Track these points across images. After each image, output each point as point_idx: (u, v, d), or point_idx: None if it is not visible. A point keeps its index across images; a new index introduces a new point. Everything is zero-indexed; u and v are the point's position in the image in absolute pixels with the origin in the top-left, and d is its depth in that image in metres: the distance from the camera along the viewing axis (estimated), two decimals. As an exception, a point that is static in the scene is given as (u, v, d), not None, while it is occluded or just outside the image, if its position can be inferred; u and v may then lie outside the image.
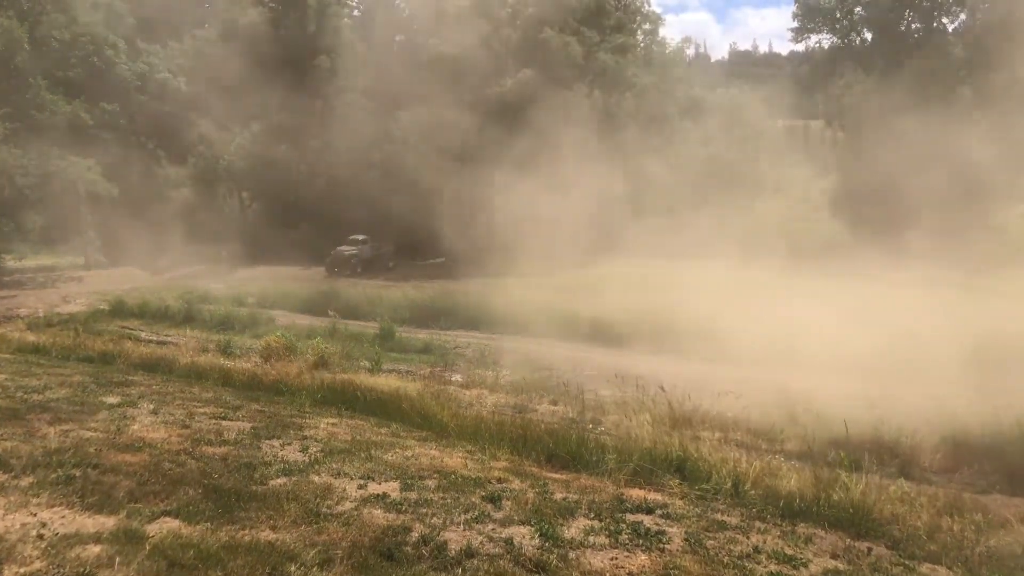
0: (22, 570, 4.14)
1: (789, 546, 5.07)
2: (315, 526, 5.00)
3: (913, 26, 46.30)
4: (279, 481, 5.94)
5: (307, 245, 40.31)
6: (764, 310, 15.57)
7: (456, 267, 32.47)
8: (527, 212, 23.90)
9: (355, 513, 5.29)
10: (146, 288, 30.12)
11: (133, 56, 50.09)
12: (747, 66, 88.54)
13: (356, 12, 55.38)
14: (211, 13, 56.48)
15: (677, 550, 4.91)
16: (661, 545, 4.97)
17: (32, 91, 40.94)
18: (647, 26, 59.45)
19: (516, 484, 6.20)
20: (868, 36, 47.84)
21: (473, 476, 6.36)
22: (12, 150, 36.70)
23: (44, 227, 39.96)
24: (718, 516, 5.63)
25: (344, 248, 37.19)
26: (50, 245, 42.71)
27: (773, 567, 4.73)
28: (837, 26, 47.80)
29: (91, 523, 4.81)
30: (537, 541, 4.94)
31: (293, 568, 4.34)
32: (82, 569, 4.17)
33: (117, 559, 4.29)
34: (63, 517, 4.88)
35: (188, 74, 51.51)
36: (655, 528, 5.25)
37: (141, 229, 42.82)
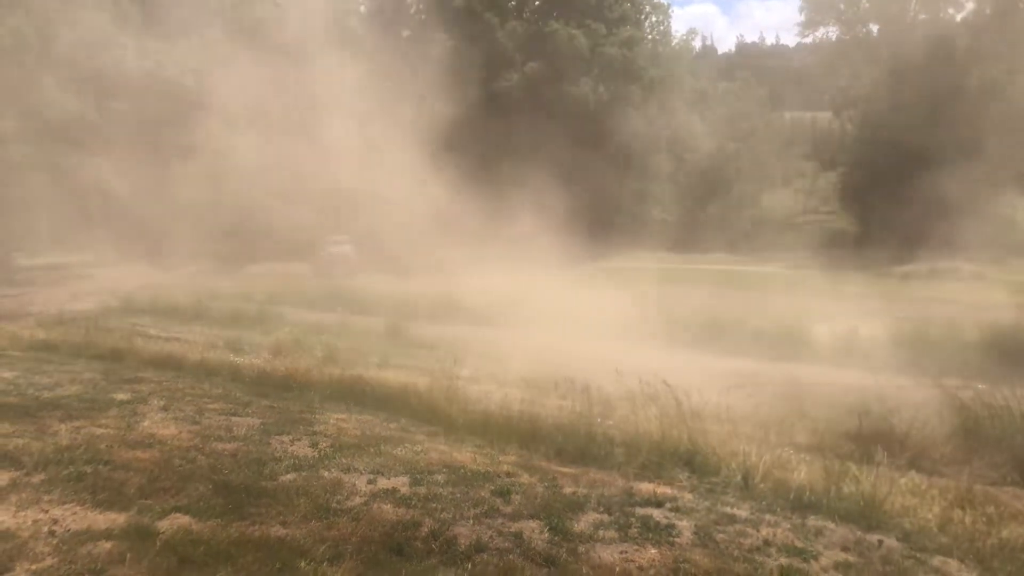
0: (34, 567, 4.16)
1: (799, 539, 5.06)
2: (325, 521, 5.02)
3: (920, 17, 46.01)
4: (289, 477, 5.96)
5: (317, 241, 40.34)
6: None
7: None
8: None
9: (365, 508, 5.30)
10: (155, 285, 30.20)
11: (142, 55, 50.20)
12: (754, 58, 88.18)
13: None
14: (219, 11, 56.50)
15: (687, 544, 4.90)
16: (671, 539, 4.96)
17: (41, 90, 41.07)
18: (655, 18, 59.40)
19: (525, 478, 6.21)
20: (874, 28, 47.56)
21: (482, 471, 6.37)
22: (22, 148, 36.85)
23: (54, 225, 40.14)
24: (728, 509, 5.61)
25: (336, 248, 36.77)
26: (60, 243, 42.88)
27: (783, 560, 4.72)
28: (843, 18, 47.54)
29: (102, 520, 4.84)
30: (546, 535, 4.94)
31: (303, 564, 4.35)
32: (93, 566, 4.19)
33: (128, 555, 4.31)
34: (74, 514, 4.91)
35: (196, 72, 51.50)
36: (664, 522, 5.24)
37: (150, 226, 42.83)
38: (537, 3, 53.23)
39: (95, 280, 33.70)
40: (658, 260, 45.18)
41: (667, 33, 61.09)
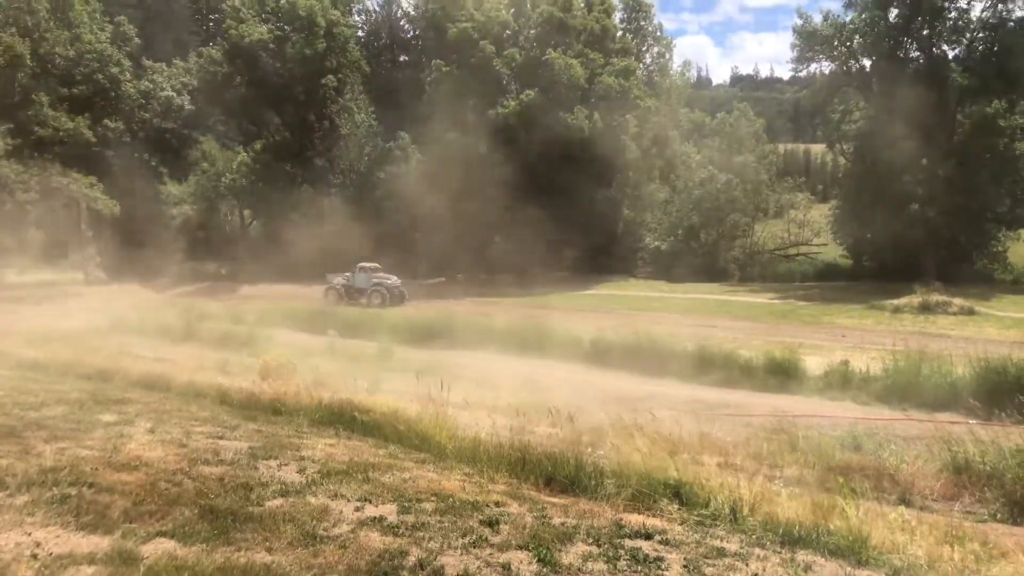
0: (15, 591, 4.10)
1: (789, 574, 5.02)
2: (311, 548, 4.96)
3: (912, 54, 46.55)
4: (276, 502, 5.90)
5: (310, 264, 40.41)
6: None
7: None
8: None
9: (352, 536, 5.24)
10: (146, 305, 30.08)
11: (138, 74, 50.48)
12: (749, 89, 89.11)
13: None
14: (216, 32, 57.01)
15: (676, 577, 4.86)
16: (660, 572, 4.91)
17: (34, 108, 41.18)
18: (657, 49, 60.25)
19: (514, 508, 6.15)
20: (867, 63, 48.05)
21: (471, 499, 6.31)
22: (14, 166, 36.87)
23: (45, 242, 40.12)
24: (717, 543, 5.57)
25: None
26: (51, 260, 42.83)
27: (772, 595, 4.69)
28: (835, 53, 48.01)
29: (85, 543, 4.78)
30: (535, 567, 4.89)
31: (288, 591, 4.30)
32: (75, 590, 4.14)
33: (111, 580, 4.25)
34: (57, 537, 4.85)
35: (192, 92, 51.91)
36: (654, 554, 5.19)
37: (142, 246, 42.74)
38: (534, 31, 53.73)
39: (85, 299, 33.52)
40: (649, 288, 45.30)
41: (665, 65, 61.96)
